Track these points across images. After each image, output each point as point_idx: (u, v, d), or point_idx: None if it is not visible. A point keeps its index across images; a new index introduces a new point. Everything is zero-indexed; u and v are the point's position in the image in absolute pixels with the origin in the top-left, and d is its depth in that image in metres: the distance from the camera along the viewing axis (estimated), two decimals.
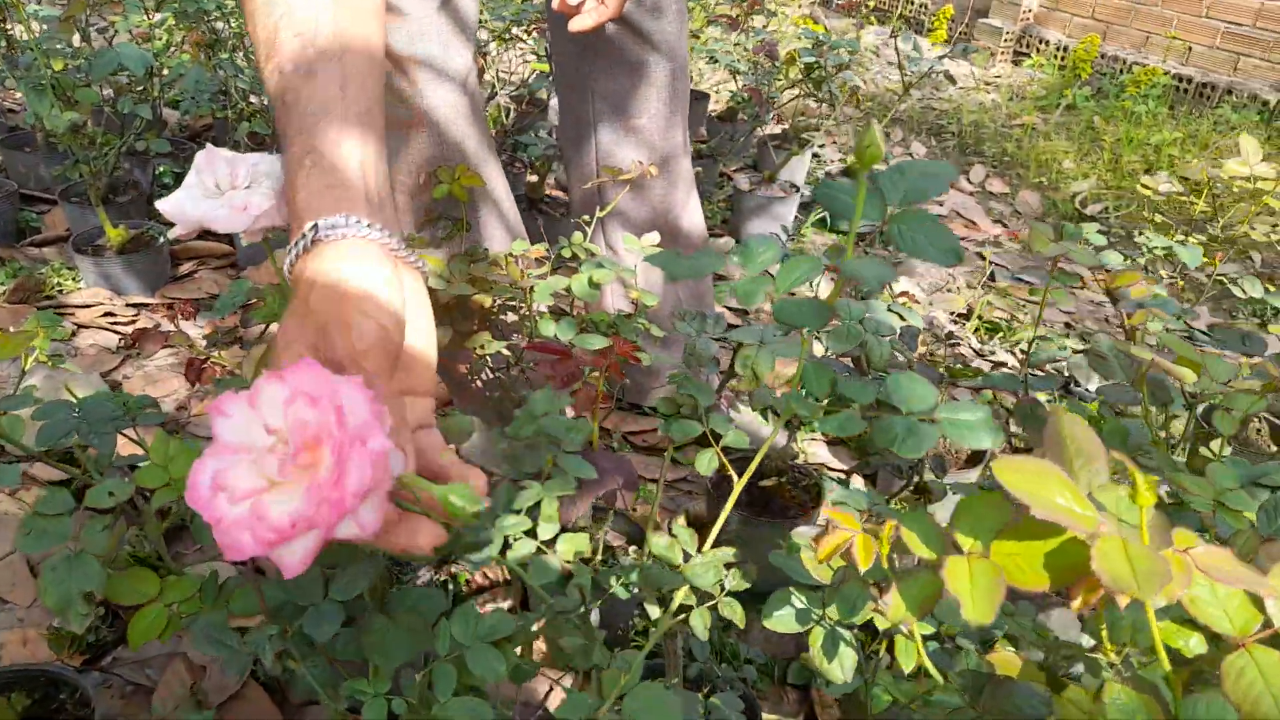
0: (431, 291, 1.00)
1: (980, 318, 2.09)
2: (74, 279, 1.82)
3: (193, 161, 0.65)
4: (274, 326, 0.64)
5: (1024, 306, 2.22)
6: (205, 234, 2.00)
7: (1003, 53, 4.45)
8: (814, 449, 1.58)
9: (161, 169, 2.16)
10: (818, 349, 1.11)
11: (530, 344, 0.93)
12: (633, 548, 1.18)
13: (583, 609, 0.68)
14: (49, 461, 0.80)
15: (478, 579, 1.25)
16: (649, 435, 1.57)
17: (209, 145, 0.67)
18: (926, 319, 2.07)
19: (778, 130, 2.76)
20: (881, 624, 0.52)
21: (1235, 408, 0.64)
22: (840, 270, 0.47)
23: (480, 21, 2.16)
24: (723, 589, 0.60)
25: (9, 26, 1.97)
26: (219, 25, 2.00)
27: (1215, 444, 0.80)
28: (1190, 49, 3.93)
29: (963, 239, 2.57)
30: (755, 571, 0.61)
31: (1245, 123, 3.49)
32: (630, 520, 1.24)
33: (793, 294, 0.50)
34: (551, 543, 0.68)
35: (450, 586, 1.23)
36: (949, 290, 2.26)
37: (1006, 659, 0.48)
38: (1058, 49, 4.27)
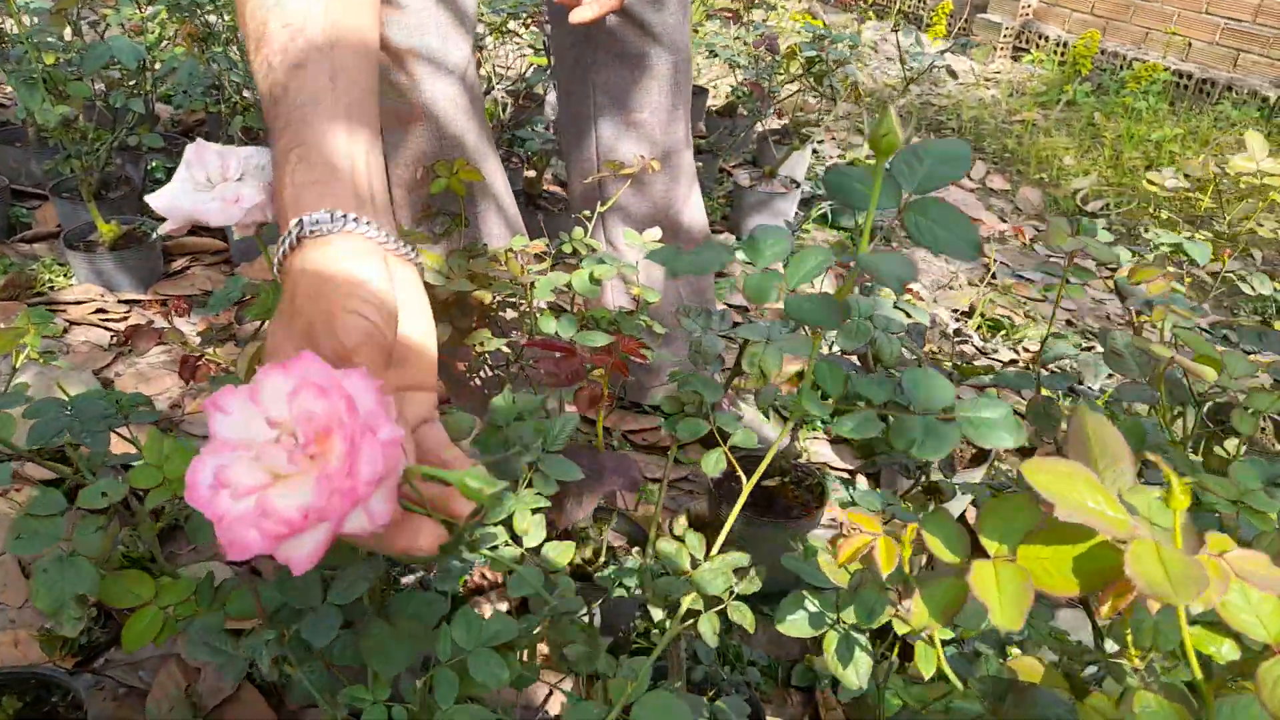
0: (430, 288, 0.98)
1: (983, 315, 2.08)
2: (65, 275, 1.80)
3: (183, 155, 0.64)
4: (269, 323, 0.63)
5: (1024, 304, 2.21)
6: (198, 230, 1.98)
7: (1002, 48, 4.43)
8: (816, 448, 1.56)
9: (154, 164, 2.14)
10: (822, 346, 1.09)
11: (532, 341, 0.91)
12: (635, 548, 1.17)
13: (589, 612, 0.66)
14: (40, 461, 0.79)
15: (475, 579, 1.23)
16: (648, 434, 1.55)
17: (199, 139, 0.66)
18: (929, 316, 2.05)
19: (777, 125, 2.74)
20: (900, 628, 0.50)
21: (1254, 407, 0.63)
22: (856, 265, 0.45)
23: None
24: (731, 593, 0.58)
25: None
26: (212, 18, 1.98)
27: (1230, 443, 0.79)
28: (1190, 45, 3.92)
29: None
30: (765, 573, 0.60)
31: (1245, 119, 3.48)
32: (631, 520, 1.23)
33: (793, 291, 0.48)
34: (536, 550, 0.65)
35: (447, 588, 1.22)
36: (951, 287, 2.24)
37: (1028, 664, 0.47)
38: (1057, 44, 4.26)
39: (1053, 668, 0.47)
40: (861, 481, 1.44)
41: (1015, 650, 0.74)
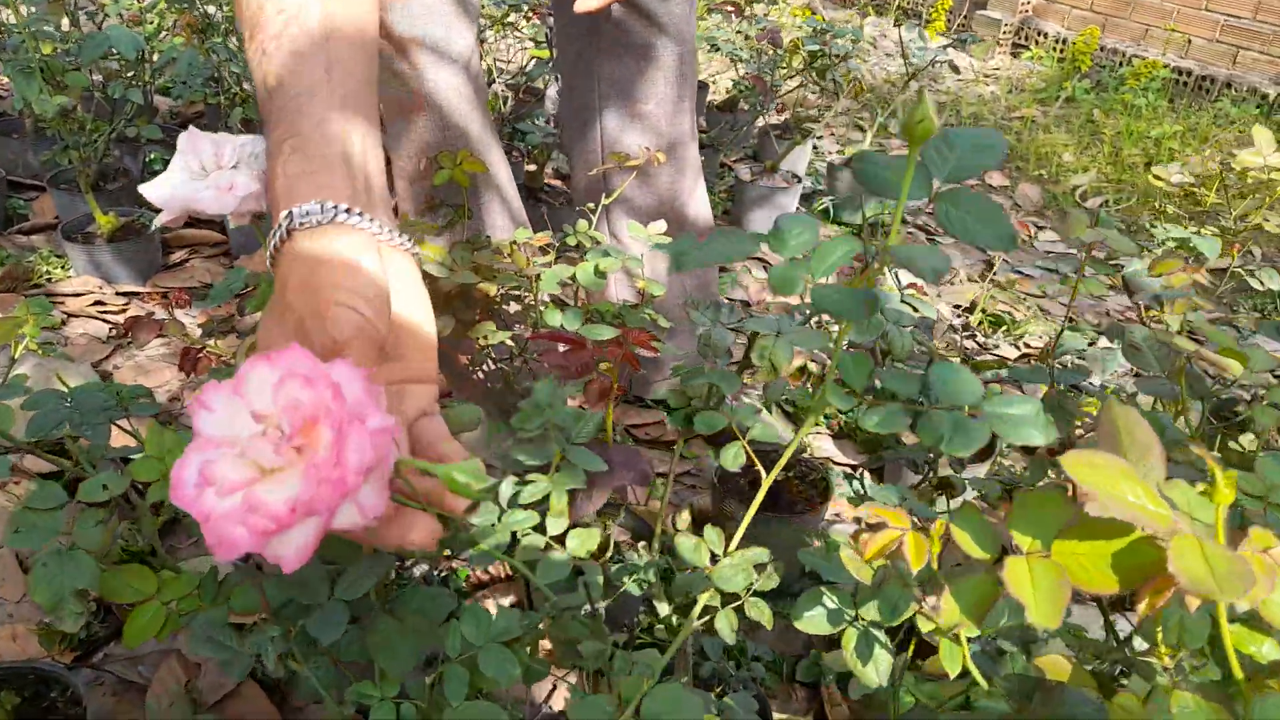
0: (434, 280, 0.97)
1: (984, 311, 2.07)
2: (63, 267, 1.78)
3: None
4: (261, 317, 0.62)
5: (1024, 300, 2.20)
6: (196, 222, 1.97)
7: (1001, 45, 4.43)
8: (819, 443, 1.55)
9: (152, 155, 2.12)
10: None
11: (540, 333, 0.90)
12: (640, 543, 1.16)
13: (592, 607, 0.65)
14: (40, 454, 0.77)
15: (478, 574, 1.22)
16: (652, 429, 1.54)
17: (191, 127, 0.65)
18: (934, 311, 2.04)
19: (778, 120, 2.73)
20: (925, 626, 0.49)
21: (1276, 400, 0.62)
22: (884, 256, 0.44)
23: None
24: (749, 590, 0.57)
25: None
26: (211, 9, 1.96)
27: (1245, 438, 0.78)
28: (1190, 42, 3.91)
29: None
30: (783, 569, 0.59)
31: (1245, 116, 3.47)
32: (635, 515, 1.22)
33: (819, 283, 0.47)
34: (561, 538, 0.65)
35: (450, 583, 1.21)
36: (951, 283, 2.23)
37: (1055, 663, 0.46)
38: (1056, 41, 4.25)
39: (1080, 667, 0.46)
40: (866, 477, 1.44)
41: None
